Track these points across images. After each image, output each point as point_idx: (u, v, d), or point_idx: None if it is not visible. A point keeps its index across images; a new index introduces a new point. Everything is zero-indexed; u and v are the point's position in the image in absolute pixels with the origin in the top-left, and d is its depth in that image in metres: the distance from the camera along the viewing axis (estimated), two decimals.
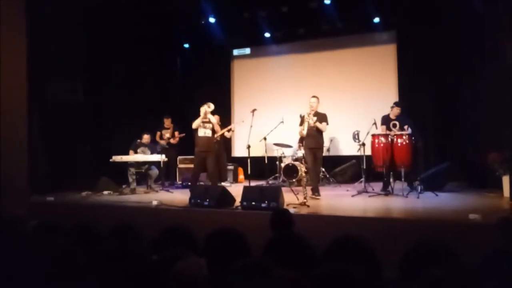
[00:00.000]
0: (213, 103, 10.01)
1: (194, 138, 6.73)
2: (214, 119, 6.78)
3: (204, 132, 6.59)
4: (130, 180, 7.35)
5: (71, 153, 7.49)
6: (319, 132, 6.26)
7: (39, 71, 6.88)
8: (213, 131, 6.69)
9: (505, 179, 5.65)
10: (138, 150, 7.65)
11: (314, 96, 6.42)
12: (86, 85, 8.04)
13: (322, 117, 6.27)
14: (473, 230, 3.79)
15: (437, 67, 7.90)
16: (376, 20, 8.41)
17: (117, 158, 7.17)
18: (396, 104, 6.68)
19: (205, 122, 6.62)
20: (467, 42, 7.22)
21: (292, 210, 4.66)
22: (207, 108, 6.62)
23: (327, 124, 6.32)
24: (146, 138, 7.82)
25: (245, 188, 5.30)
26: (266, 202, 4.84)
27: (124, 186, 7.33)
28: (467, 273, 1.86)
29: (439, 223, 4.23)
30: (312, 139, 6.26)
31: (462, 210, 4.68)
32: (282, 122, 7.72)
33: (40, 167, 6.91)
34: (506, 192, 5.55)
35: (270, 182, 8.18)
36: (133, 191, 7.20)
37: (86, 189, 6.93)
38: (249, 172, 6.67)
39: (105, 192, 6.94)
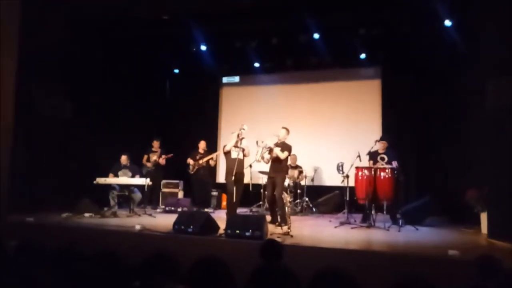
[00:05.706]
0: (200, 128, 10.05)
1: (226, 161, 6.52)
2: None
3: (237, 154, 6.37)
4: (112, 203, 7.23)
5: (52, 171, 7.36)
6: (278, 160, 6.41)
7: (28, 85, 6.89)
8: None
9: (483, 216, 5.79)
10: (119, 173, 7.53)
11: (283, 128, 6.67)
12: (73, 103, 8.02)
13: (284, 147, 6.45)
14: (452, 266, 3.85)
15: (420, 103, 8.21)
16: (363, 56, 8.72)
17: (101, 180, 7.06)
18: (382, 138, 6.84)
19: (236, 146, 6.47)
20: (450, 81, 7.54)
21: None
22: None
23: (289, 153, 6.52)
24: (124, 159, 7.63)
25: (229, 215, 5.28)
26: (250, 230, 4.82)
27: (105, 209, 7.19)
28: None
29: (420, 257, 4.28)
30: (271, 168, 6.52)
31: (442, 245, 4.77)
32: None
33: (19, 185, 6.75)
34: (484, 229, 5.68)
35: (254, 210, 8.16)
36: (114, 214, 7.07)
37: (66, 210, 6.78)
38: (234, 199, 6.63)
39: (86, 214, 6.78)
